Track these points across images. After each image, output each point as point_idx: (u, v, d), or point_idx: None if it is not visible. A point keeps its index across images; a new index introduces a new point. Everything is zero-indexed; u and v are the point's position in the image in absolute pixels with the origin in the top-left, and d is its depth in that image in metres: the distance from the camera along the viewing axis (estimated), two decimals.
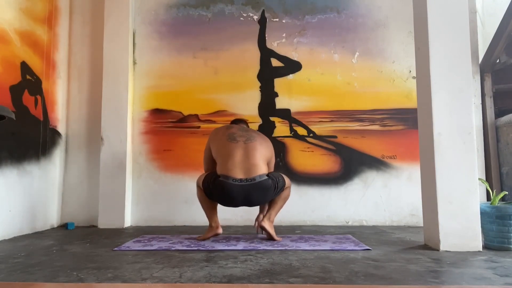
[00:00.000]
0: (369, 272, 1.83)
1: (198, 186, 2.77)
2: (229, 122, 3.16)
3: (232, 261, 2.07)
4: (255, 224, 2.90)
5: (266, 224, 2.64)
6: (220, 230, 2.70)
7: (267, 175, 2.63)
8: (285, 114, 3.69)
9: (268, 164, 2.76)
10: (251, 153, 2.63)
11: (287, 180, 2.77)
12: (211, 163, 2.82)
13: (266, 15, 3.79)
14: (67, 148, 3.71)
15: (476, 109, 3.55)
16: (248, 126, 3.18)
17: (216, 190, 2.59)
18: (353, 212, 3.56)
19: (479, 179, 2.49)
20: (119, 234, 3.08)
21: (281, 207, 2.76)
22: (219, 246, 2.48)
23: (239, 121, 3.11)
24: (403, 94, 3.66)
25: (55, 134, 3.57)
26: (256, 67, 3.74)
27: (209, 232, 2.70)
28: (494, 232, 2.36)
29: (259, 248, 2.40)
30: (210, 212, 2.72)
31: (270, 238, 2.68)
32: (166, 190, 3.65)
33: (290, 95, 3.69)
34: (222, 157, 2.66)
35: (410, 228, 3.34)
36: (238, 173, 2.56)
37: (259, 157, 2.64)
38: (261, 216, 2.83)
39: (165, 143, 3.71)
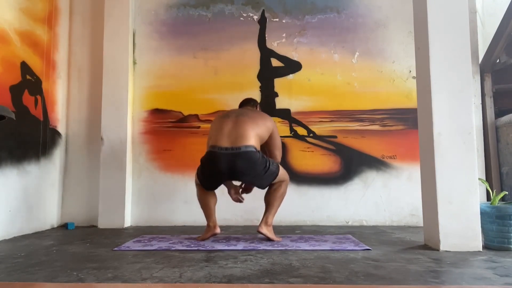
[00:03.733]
0: (369, 272, 1.83)
1: (196, 184, 2.77)
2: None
3: (232, 261, 2.07)
4: None
5: (263, 230, 2.60)
6: (218, 230, 2.69)
7: (258, 151, 2.58)
8: (285, 114, 3.69)
9: (269, 145, 2.74)
10: (240, 125, 2.60)
11: (283, 172, 2.71)
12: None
13: (266, 15, 3.79)
14: (67, 148, 3.71)
15: (476, 109, 3.55)
16: (256, 106, 3.01)
17: (206, 163, 2.60)
18: (353, 212, 3.56)
19: (479, 179, 2.49)
20: (119, 234, 3.08)
21: (278, 207, 2.71)
22: (219, 246, 2.47)
23: (247, 101, 3.00)
24: (403, 94, 3.66)
25: (55, 134, 3.57)
26: (256, 67, 3.74)
27: (207, 232, 2.70)
28: (494, 232, 2.36)
29: (259, 248, 2.40)
30: (208, 211, 2.71)
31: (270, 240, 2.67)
32: (166, 190, 3.65)
33: (290, 95, 3.69)
34: (213, 131, 2.68)
35: (410, 228, 3.34)
36: (225, 142, 2.55)
37: (248, 129, 2.59)
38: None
39: (165, 143, 3.71)
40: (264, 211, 2.71)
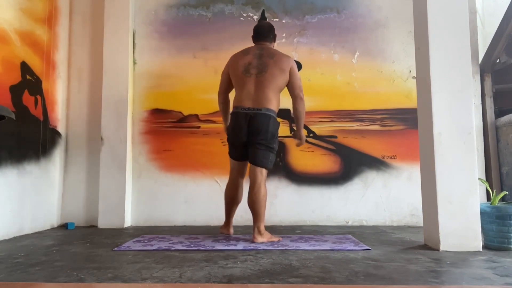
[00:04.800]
0: (369, 272, 1.83)
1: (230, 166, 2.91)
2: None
3: (232, 261, 2.07)
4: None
5: (259, 240, 2.59)
6: (231, 231, 2.92)
7: (276, 119, 2.77)
8: (285, 114, 3.67)
9: (290, 88, 2.83)
10: (261, 88, 2.74)
11: (264, 171, 2.71)
12: (224, 85, 2.97)
13: (266, 15, 3.79)
14: (67, 148, 3.71)
15: (476, 109, 3.55)
16: (273, 38, 2.96)
17: (231, 122, 2.82)
18: (353, 212, 3.56)
19: (479, 179, 2.50)
20: (119, 234, 3.08)
21: (264, 211, 2.67)
22: (219, 246, 2.48)
23: (265, 37, 2.92)
24: (403, 94, 3.66)
25: (55, 134, 3.57)
26: None
27: (223, 228, 2.94)
28: (494, 232, 2.36)
29: (259, 248, 2.40)
30: (228, 210, 2.91)
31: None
32: (166, 190, 3.65)
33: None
34: (237, 90, 2.85)
35: (410, 228, 3.34)
36: (247, 103, 2.74)
37: (268, 90, 2.74)
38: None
39: (165, 143, 3.71)
40: (252, 221, 2.67)
